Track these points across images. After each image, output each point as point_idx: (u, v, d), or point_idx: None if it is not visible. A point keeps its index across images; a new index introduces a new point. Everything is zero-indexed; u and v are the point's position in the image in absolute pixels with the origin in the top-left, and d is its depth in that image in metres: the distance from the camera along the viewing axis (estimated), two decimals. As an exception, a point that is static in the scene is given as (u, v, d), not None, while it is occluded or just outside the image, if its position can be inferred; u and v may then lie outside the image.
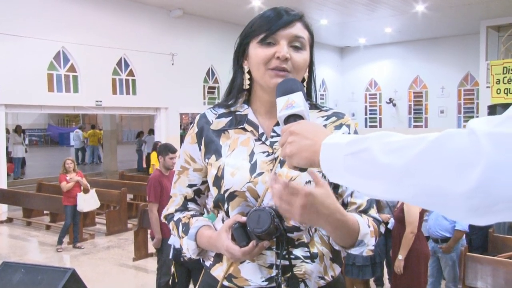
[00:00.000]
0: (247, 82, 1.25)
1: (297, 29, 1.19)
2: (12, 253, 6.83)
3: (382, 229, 1.26)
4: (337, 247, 1.22)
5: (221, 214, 1.27)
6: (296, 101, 1.02)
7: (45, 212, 8.99)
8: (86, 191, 6.94)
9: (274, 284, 1.18)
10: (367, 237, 1.16)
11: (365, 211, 1.24)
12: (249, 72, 1.25)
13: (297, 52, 1.19)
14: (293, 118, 1.00)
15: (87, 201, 6.94)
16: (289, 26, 1.18)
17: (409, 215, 3.90)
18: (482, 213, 0.67)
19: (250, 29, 1.22)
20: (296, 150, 0.91)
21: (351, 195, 1.24)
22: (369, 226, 1.17)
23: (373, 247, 1.18)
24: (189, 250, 1.28)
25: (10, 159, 12.95)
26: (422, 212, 4.00)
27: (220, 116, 1.29)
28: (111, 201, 8.31)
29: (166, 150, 4.56)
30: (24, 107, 10.02)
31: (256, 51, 1.19)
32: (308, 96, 1.29)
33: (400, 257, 3.88)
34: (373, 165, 0.77)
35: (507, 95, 11.85)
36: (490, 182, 0.64)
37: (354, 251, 1.17)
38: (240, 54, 1.26)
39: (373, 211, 1.26)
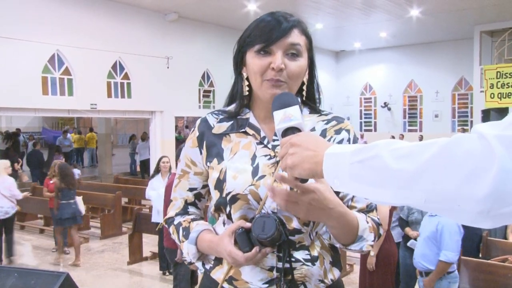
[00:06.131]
0: (246, 88, 1.26)
1: (293, 36, 1.19)
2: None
3: (381, 231, 1.29)
4: (337, 245, 1.24)
5: (222, 217, 1.28)
6: (293, 115, 1.04)
7: (39, 215, 8.94)
8: None
9: (274, 287, 1.18)
10: (366, 232, 1.19)
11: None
12: (248, 79, 1.25)
13: (293, 60, 1.19)
14: (291, 130, 1.02)
15: None
16: (285, 36, 1.18)
17: (379, 213, 3.97)
18: (493, 216, 0.67)
19: (248, 38, 1.22)
20: (298, 161, 0.92)
21: (352, 199, 1.26)
22: (367, 222, 1.21)
23: (372, 242, 1.22)
24: (189, 254, 1.28)
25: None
26: (392, 210, 4.09)
27: (221, 120, 1.30)
28: (105, 205, 8.28)
29: None
30: (18, 110, 9.95)
31: (253, 61, 1.20)
32: (311, 99, 1.30)
33: (372, 253, 3.96)
34: (383, 172, 0.77)
35: (500, 100, 11.93)
36: (504, 185, 0.64)
37: (354, 247, 1.20)
38: (239, 61, 1.27)
39: (374, 214, 1.28)
